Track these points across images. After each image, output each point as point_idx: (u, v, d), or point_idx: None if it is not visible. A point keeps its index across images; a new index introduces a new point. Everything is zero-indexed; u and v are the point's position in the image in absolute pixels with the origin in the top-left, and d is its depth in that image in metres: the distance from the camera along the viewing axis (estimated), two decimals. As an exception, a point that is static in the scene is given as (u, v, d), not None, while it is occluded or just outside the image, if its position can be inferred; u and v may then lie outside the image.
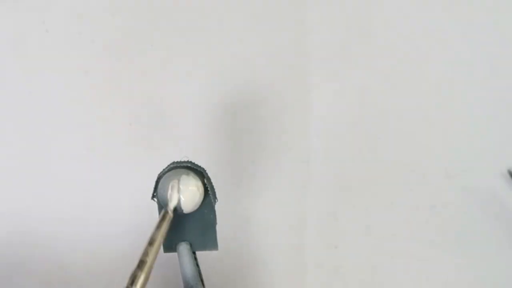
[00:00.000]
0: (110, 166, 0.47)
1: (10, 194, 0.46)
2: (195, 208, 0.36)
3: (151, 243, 0.32)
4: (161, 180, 0.35)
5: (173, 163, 0.37)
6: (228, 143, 0.49)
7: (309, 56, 0.50)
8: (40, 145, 0.46)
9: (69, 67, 0.46)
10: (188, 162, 0.38)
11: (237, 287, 0.47)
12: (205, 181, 0.37)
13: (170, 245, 0.37)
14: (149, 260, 0.31)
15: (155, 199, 0.36)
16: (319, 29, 0.51)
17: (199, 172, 0.37)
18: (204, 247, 0.38)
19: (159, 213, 0.34)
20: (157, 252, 0.32)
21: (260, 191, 0.49)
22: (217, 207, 0.47)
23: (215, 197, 0.38)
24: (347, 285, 0.48)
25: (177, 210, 0.34)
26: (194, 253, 0.38)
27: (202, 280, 0.37)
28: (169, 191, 0.34)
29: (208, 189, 0.37)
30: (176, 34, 0.48)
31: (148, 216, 0.48)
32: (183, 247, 0.37)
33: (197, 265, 0.37)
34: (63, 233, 0.46)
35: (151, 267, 0.31)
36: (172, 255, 0.38)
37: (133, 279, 0.30)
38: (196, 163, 0.38)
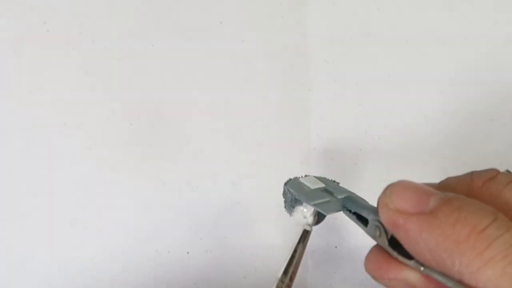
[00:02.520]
0: (111, 165, 0.47)
1: (10, 193, 0.45)
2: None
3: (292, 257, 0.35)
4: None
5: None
6: (227, 143, 0.50)
7: (309, 56, 0.50)
8: (39, 145, 0.46)
9: (69, 67, 0.46)
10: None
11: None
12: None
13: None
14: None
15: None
16: (319, 29, 0.51)
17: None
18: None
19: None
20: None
21: (260, 191, 0.49)
22: (215, 207, 0.48)
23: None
24: (347, 285, 0.48)
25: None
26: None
27: None
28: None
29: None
30: (176, 34, 0.48)
31: (148, 216, 0.48)
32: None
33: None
34: (62, 234, 0.46)
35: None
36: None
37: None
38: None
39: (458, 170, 0.50)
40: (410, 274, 0.31)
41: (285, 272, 0.34)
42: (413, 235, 0.30)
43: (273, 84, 0.50)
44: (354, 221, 0.34)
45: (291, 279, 0.34)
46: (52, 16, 0.46)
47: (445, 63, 0.51)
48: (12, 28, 0.45)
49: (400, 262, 0.31)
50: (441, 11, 0.51)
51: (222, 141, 0.49)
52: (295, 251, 0.36)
